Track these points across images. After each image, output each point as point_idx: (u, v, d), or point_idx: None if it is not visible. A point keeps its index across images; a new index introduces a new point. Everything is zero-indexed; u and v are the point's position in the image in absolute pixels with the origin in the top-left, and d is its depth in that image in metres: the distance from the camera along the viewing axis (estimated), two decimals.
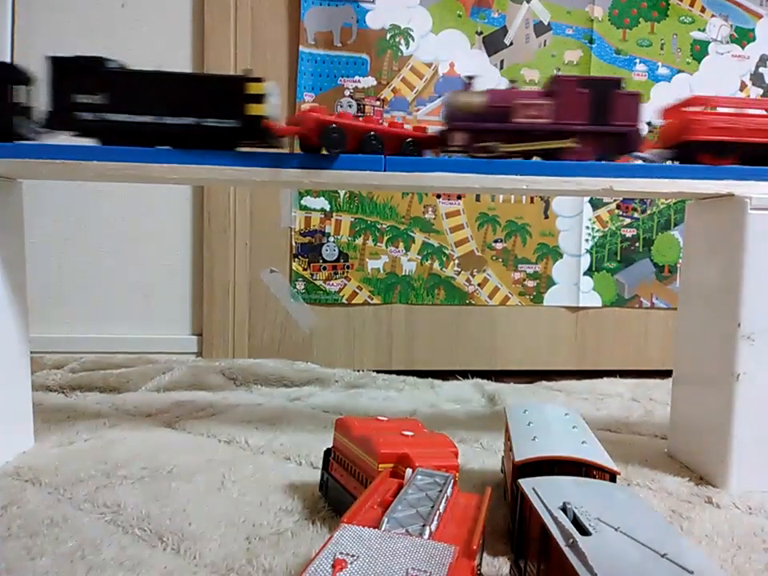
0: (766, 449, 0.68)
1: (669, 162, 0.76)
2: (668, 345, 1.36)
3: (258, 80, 0.67)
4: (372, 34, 1.27)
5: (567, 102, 0.68)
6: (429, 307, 1.32)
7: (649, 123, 1.34)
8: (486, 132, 0.69)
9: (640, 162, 0.74)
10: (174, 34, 1.24)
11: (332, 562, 0.34)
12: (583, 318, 1.37)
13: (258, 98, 0.66)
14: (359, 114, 1.28)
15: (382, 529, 0.38)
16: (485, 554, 0.51)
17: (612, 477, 0.53)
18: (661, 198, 1.31)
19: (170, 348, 1.24)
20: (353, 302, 1.30)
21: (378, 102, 1.29)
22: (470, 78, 0.72)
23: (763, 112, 0.71)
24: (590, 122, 0.68)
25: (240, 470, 0.69)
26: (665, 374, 1.32)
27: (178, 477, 0.67)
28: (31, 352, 1.15)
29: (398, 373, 1.24)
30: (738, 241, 0.68)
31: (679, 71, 1.36)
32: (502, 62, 1.32)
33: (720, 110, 0.72)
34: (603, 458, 0.54)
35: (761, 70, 1.37)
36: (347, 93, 1.28)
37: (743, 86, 1.37)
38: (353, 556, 0.35)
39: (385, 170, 0.69)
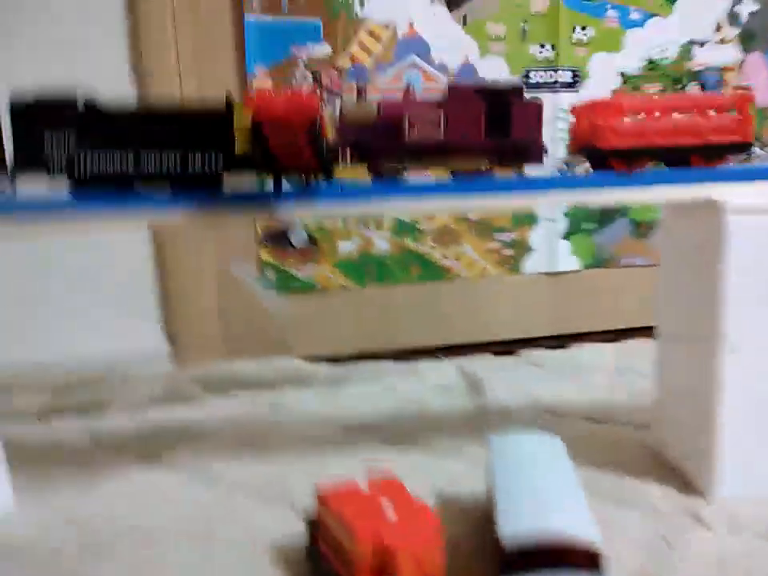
0: (754, 452, 0.68)
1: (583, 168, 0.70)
2: (645, 300, 1.34)
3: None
4: None
5: (462, 115, 0.62)
6: (405, 286, 1.29)
7: (622, 74, 1.27)
8: (378, 151, 0.62)
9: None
10: (103, 19, 1.12)
11: None
12: (562, 283, 1.34)
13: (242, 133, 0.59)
14: (315, 87, 1.19)
15: None
16: None
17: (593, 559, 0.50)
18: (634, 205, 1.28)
19: (142, 356, 1.20)
20: (327, 286, 1.26)
21: (335, 72, 1.19)
22: (360, 85, 0.65)
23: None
24: (486, 136, 0.62)
25: (225, 528, 0.67)
26: (644, 330, 1.34)
27: (160, 542, 0.65)
28: None
29: (379, 356, 1.22)
30: (718, 247, 0.65)
31: (652, 15, 1.27)
32: (464, 17, 1.22)
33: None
34: (587, 531, 0.51)
35: (736, 8, 1.29)
36: (301, 63, 1.18)
37: (719, 27, 1.29)
38: None
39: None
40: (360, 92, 0.63)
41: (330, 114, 0.63)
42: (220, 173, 0.61)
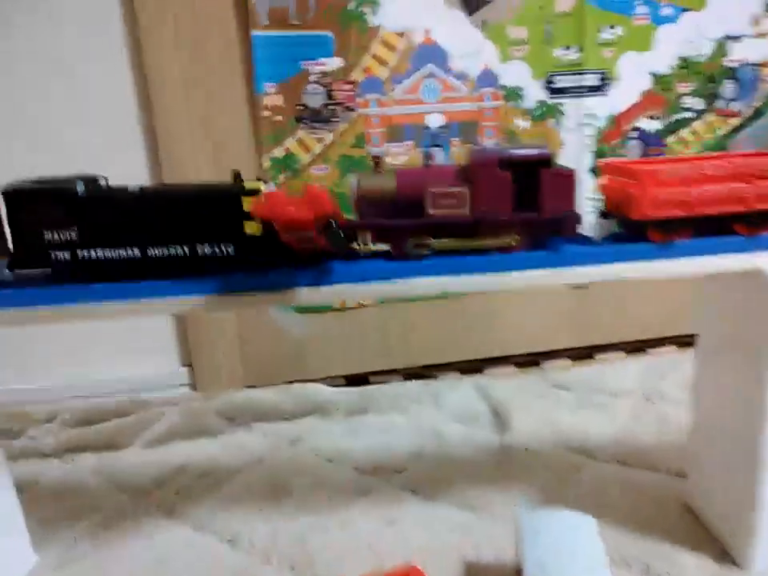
0: None
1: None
2: (668, 309, 1.30)
3: (257, 191, 0.56)
4: (333, 4, 1.10)
5: (487, 187, 0.57)
6: (423, 301, 1.25)
7: (653, 74, 1.20)
8: (399, 228, 0.58)
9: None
10: (104, 35, 1.07)
11: None
12: (582, 292, 1.30)
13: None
14: (329, 102, 1.13)
15: None
16: None
17: None
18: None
19: (161, 382, 1.19)
20: (344, 305, 1.23)
21: (348, 87, 1.14)
22: (377, 157, 0.60)
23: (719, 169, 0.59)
24: (515, 210, 0.58)
25: None
26: (670, 340, 1.31)
27: None
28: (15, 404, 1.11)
29: (399, 372, 1.20)
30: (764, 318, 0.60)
31: (684, 9, 1.19)
32: (484, 21, 1.15)
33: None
34: None
35: None
36: (313, 78, 1.12)
37: (756, 21, 1.20)
38: None
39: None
40: (377, 162, 0.59)
41: (348, 186, 0.58)
42: (231, 257, 0.57)
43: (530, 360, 1.33)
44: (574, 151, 1.22)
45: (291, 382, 1.20)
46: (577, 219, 0.58)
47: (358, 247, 0.59)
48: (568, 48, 1.17)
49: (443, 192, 0.57)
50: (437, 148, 1.19)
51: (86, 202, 0.55)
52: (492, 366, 1.32)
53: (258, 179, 0.59)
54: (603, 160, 0.68)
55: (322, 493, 0.86)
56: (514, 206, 0.57)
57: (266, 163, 1.15)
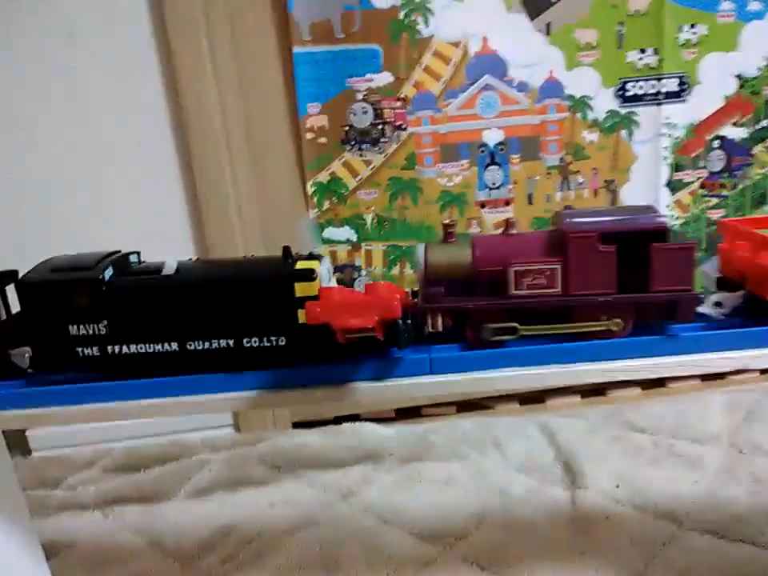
0: None
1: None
2: None
3: (310, 274, 0.48)
4: (381, 15, 1.00)
5: (586, 264, 0.47)
6: None
7: (739, 77, 1.07)
8: (476, 311, 0.49)
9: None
10: (137, 64, 0.99)
11: None
12: None
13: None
14: (377, 122, 1.04)
15: None
16: None
17: None
18: None
19: (203, 422, 1.13)
20: None
21: (398, 103, 1.04)
22: (450, 224, 0.50)
23: None
24: (620, 291, 0.48)
25: None
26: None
27: None
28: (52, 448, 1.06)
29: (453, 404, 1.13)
30: None
31: None
32: (548, 25, 1.03)
33: None
34: None
35: None
36: (359, 96, 1.03)
37: None
38: None
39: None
40: (449, 230, 0.49)
41: (417, 260, 0.49)
42: (282, 347, 0.49)
43: (594, 387, 1.23)
44: (649, 165, 1.10)
45: (340, 419, 1.13)
46: (696, 302, 0.48)
47: (426, 331, 0.50)
48: (643, 51, 1.05)
49: (529, 265, 0.47)
50: (495, 166, 1.08)
51: (115, 291, 0.47)
52: (554, 396, 1.23)
53: (311, 256, 0.50)
54: (723, 220, 0.57)
55: (380, 568, 0.78)
56: (619, 286, 0.47)
57: (311, 189, 1.06)
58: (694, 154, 1.10)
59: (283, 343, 0.49)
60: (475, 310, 0.49)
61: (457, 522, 0.85)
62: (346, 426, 1.10)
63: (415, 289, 0.53)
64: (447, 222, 0.50)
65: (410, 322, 0.47)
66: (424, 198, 1.08)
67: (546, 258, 0.48)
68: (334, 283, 0.52)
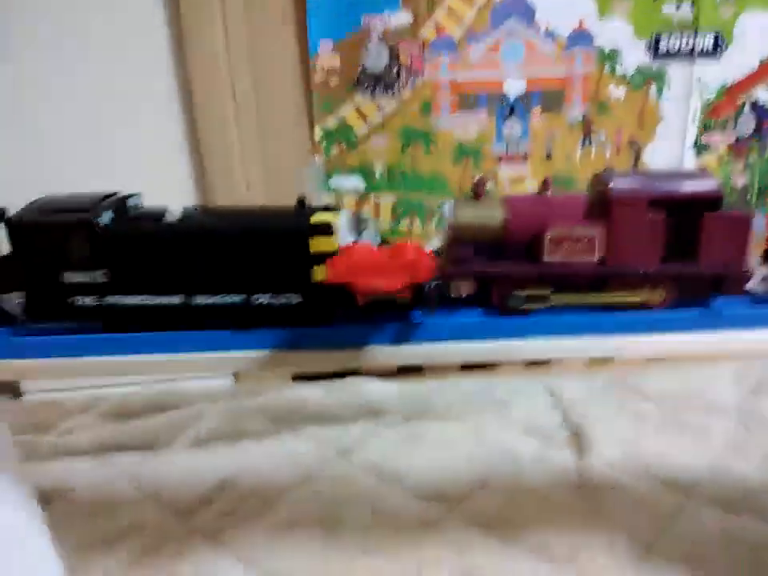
0: None
1: None
2: None
3: (327, 229, 0.44)
4: None
5: (631, 232, 0.43)
6: None
7: None
8: (507, 276, 0.45)
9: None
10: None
11: None
12: None
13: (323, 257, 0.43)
14: (393, 65, 0.98)
15: None
16: None
17: None
18: None
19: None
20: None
21: (417, 46, 0.97)
22: (481, 180, 0.46)
23: None
24: (664, 262, 0.44)
25: None
26: None
27: None
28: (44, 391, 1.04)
29: None
30: None
31: None
32: None
33: None
34: None
35: None
36: (375, 36, 0.96)
37: None
38: None
39: None
40: (479, 188, 0.45)
41: (442, 218, 0.45)
42: (296, 306, 0.45)
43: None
44: (676, 125, 1.05)
45: (342, 374, 1.10)
46: (746, 276, 0.44)
47: (451, 295, 0.46)
48: (680, 4, 0.98)
49: (568, 235, 0.43)
50: (514, 119, 1.03)
51: (114, 237, 0.43)
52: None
53: (327, 208, 0.46)
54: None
55: (373, 524, 0.77)
56: (664, 255, 0.44)
57: (318, 133, 1.01)
58: (723, 117, 1.05)
59: (296, 302, 0.45)
60: (506, 275, 0.45)
61: (460, 483, 0.84)
62: (348, 381, 1.07)
63: (437, 249, 0.49)
64: (478, 177, 0.45)
65: (435, 284, 0.44)
66: (437, 149, 1.03)
67: (585, 224, 0.44)
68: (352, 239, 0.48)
